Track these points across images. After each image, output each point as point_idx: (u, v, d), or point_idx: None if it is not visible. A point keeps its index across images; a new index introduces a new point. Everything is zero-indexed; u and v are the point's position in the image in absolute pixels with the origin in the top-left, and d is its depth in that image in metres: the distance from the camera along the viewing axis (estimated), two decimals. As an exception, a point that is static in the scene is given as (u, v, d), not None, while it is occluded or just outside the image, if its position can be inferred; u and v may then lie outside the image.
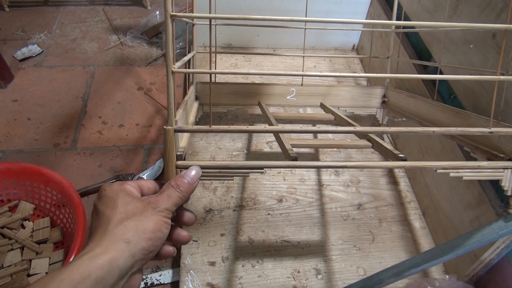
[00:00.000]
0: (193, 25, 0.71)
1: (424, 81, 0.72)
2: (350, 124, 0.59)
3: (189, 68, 0.74)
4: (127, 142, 0.88)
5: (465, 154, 0.59)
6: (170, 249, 0.36)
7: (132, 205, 0.33)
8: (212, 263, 0.62)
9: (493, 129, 0.40)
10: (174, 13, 0.33)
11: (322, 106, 0.77)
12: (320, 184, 0.76)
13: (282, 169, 0.77)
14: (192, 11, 0.71)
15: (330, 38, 1.08)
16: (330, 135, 0.79)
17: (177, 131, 0.37)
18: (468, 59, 0.60)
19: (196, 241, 0.65)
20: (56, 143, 0.86)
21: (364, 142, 0.55)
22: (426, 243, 0.68)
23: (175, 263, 0.66)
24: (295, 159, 0.42)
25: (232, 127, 0.38)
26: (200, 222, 0.68)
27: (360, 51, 1.09)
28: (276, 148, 0.81)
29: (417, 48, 0.80)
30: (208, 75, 0.44)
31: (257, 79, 0.95)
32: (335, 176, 0.77)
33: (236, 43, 1.07)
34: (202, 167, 0.37)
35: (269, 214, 0.70)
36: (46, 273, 0.62)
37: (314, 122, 0.85)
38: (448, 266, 0.64)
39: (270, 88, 0.76)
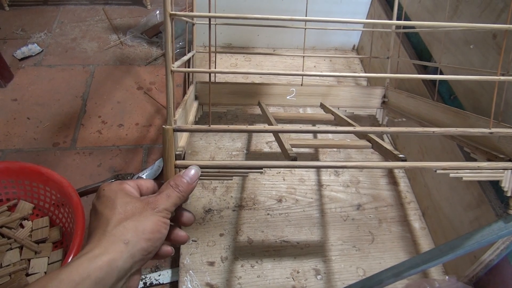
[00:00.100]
0: (193, 24, 0.71)
1: (424, 81, 0.72)
2: (350, 124, 0.59)
3: (189, 67, 0.74)
4: (127, 142, 0.87)
5: (465, 155, 0.59)
6: (168, 249, 0.36)
7: (131, 205, 0.32)
8: (211, 263, 0.62)
9: (493, 130, 0.40)
10: (173, 12, 0.33)
11: (322, 106, 0.77)
12: (319, 184, 0.76)
13: (281, 169, 0.77)
14: (192, 11, 0.71)
15: (330, 38, 1.08)
16: (329, 135, 0.78)
17: (176, 130, 0.37)
18: (469, 59, 0.60)
19: (195, 241, 0.65)
20: (56, 143, 0.86)
21: (363, 142, 0.54)
22: (425, 244, 0.68)
23: (174, 263, 0.66)
24: (295, 159, 0.42)
25: (231, 127, 0.38)
26: (199, 222, 0.68)
27: (360, 51, 1.09)
28: (275, 148, 0.81)
29: (417, 48, 0.80)
30: (208, 75, 0.44)
31: (257, 79, 0.95)
32: (334, 176, 0.77)
33: (236, 43, 1.07)
34: (201, 167, 0.37)
35: (268, 214, 0.70)
36: (45, 272, 0.62)
37: (314, 122, 0.85)
38: (447, 266, 0.64)
39: (270, 88, 0.76)
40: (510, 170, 0.40)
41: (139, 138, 0.89)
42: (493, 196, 0.54)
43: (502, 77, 0.39)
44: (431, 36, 0.72)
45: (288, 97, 0.77)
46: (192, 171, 0.36)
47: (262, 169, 0.38)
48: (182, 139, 0.44)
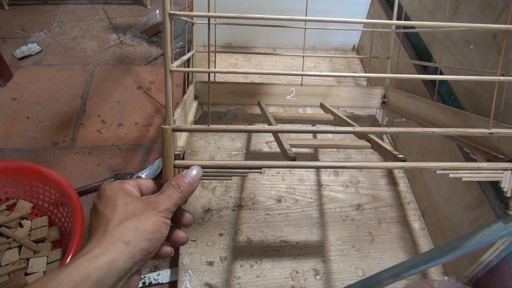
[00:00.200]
0: (193, 24, 0.71)
1: (424, 81, 0.72)
2: (349, 125, 0.58)
3: (188, 67, 0.74)
4: (126, 141, 0.87)
5: (464, 155, 0.59)
6: (168, 249, 0.36)
7: (132, 205, 0.32)
8: (211, 263, 0.62)
9: (493, 130, 0.40)
10: (172, 12, 0.33)
11: (322, 106, 0.76)
12: (319, 184, 0.76)
13: (281, 169, 0.76)
14: (192, 11, 0.71)
15: (330, 38, 1.08)
16: (329, 135, 0.78)
17: (175, 130, 0.36)
18: (469, 59, 0.60)
19: (195, 240, 0.65)
20: (55, 142, 0.86)
21: (363, 142, 0.54)
22: (425, 244, 0.68)
23: (173, 262, 0.66)
24: (294, 159, 0.42)
25: (230, 127, 0.38)
26: (199, 222, 0.67)
27: (360, 51, 1.09)
28: (275, 148, 0.81)
29: (417, 48, 0.80)
30: (208, 74, 0.44)
31: (256, 79, 0.94)
32: (334, 176, 0.77)
33: (236, 42, 1.07)
34: (201, 167, 0.37)
35: (268, 214, 0.70)
36: (44, 272, 0.62)
37: (313, 122, 0.85)
38: (447, 267, 0.64)
39: (270, 88, 0.76)
40: (509, 171, 0.40)
41: (138, 137, 0.89)
42: (493, 196, 0.54)
43: (502, 78, 0.39)
44: (431, 36, 0.72)
45: (287, 97, 0.77)
46: (194, 171, 0.36)
47: (261, 169, 0.38)
48: (181, 139, 0.44)
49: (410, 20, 0.80)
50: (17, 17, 1.23)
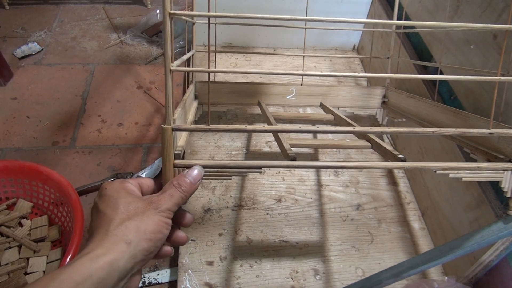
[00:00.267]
0: (193, 24, 0.71)
1: (425, 81, 0.72)
2: (349, 124, 0.58)
3: (188, 67, 0.74)
4: (126, 141, 0.87)
5: (465, 155, 0.59)
6: (168, 249, 0.36)
7: (133, 205, 0.32)
8: (210, 263, 0.62)
9: (493, 130, 0.40)
10: (172, 11, 0.33)
11: (322, 106, 0.76)
12: (319, 184, 0.75)
13: (281, 169, 0.76)
14: (192, 10, 0.70)
15: (331, 38, 1.08)
16: (329, 135, 0.78)
17: (175, 129, 0.36)
18: (469, 59, 0.60)
19: (194, 240, 0.65)
20: (55, 142, 0.86)
21: (363, 142, 0.54)
22: (425, 244, 0.68)
23: (173, 262, 0.66)
24: (294, 159, 0.42)
25: (230, 126, 0.38)
26: (199, 222, 0.67)
27: (361, 51, 1.09)
28: (275, 148, 0.81)
29: (417, 48, 0.80)
30: (208, 74, 0.44)
31: (256, 79, 0.94)
32: (334, 176, 0.77)
33: (236, 42, 1.07)
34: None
35: (267, 214, 0.70)
36: (44, 271, 0.62)
37: (313, 122, 0.85)
38: (447, 267, 0.64)
39: (270, 87, 0.76)
40: (510, 171, 0.40)
41: (138, 137, 0.89)
42: (493, 196, 0.54)
43: (502, 78, 0.39)
44: (432, 36, 0.72)
45: (288, 97, 0.77)
46: (195, 171, 0.36)
47: (261, 168, 0.38)
48: (181, 139, 0.44)
49: (410, 20, 0.80)
50: (18, 17, 1.23)
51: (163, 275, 0.64)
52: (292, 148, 0.46)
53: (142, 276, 0.64)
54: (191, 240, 0.65)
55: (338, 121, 0.67)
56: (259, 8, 0.98)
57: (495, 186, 0.54)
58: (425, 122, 0.63)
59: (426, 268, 0.43)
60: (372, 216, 0.71)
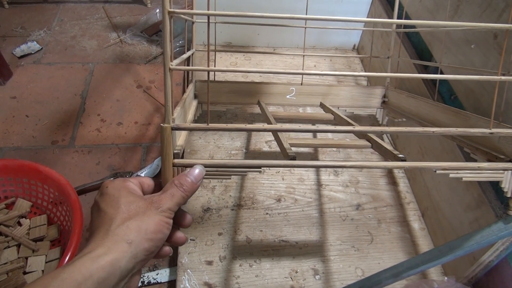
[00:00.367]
0: (193, 23, 0.71)
1: (425, 81, 0.72)
2: (349, 124, 0.58)
3: (188, 66, 0.74)
4: (126, 140, 0.87)
5: (465, 155, 0.59)
6: (166, 249, 0.36)
7: (134, 204, 0.32)
8: (210, 263, 0.62)
9: (494, 130, 0.40)
10: (172, 10, 0.33)
11: (322, 105, 0.76)
12: (319, 184, 0.75)
13: (280, 168, 0.76)
14: (192, 9, 0.70)
15: (331, 38, 1.08)
16: (329, 135, 0.78)
17: (174, 129, 0.36)
18: (469, 59, 0.60)
19: (194, 240, 0.65)
20: (54, 141, 0.86)
21: (363, 142, 0.54)
22: (425, 244, 0.68)
23: (172, 262, 0.66)
24: (294, 158, 0.41)
25: (229, 125, 0.38)
26: (198, 221, 0.67)
27: (361, 51, 1.09)
28: (275, 147, 0.81)
29: (418, 48, 0.80)
30: (207, 73, 0.43)
31: (256, 78, 0.94)
32: (334, 176, 0.77)
33: (236, 41, 1.07)
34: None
35: (267, 213, 0.70)
36: (43, 271, 0.62)
37: (313, 121, 0.85)
38: (447, 267, 0.64)
39: (270, 87, 0.76)
40: (510, 171, 0.40)
41: (138, 136, 0.88)
42: (493, 197, 0.53)
43: (503, 77, 0.39)
44: (432, 36, 0.72)
45: (288, 96, 0.77)
46: (197, 171, 0.36)
47: (261, 168, 0.38)
48: (180, 138, 0.44)
49: (410, 20, 0.79)
50: (17, 16, 1.23)
51: (162, 275, 0.64)
52: (291, 148, 0.46)
53: (142, 276, 0.64)
54: (190, 240, 0.65)
55: (338, 120, 0.67)
56: (259, 8, 0.98)
57: (495, 186, 0.54)
58: (425, 122, 0.63)
59: (426, 268, 0.43)
60: (372, 216, 0.71)
